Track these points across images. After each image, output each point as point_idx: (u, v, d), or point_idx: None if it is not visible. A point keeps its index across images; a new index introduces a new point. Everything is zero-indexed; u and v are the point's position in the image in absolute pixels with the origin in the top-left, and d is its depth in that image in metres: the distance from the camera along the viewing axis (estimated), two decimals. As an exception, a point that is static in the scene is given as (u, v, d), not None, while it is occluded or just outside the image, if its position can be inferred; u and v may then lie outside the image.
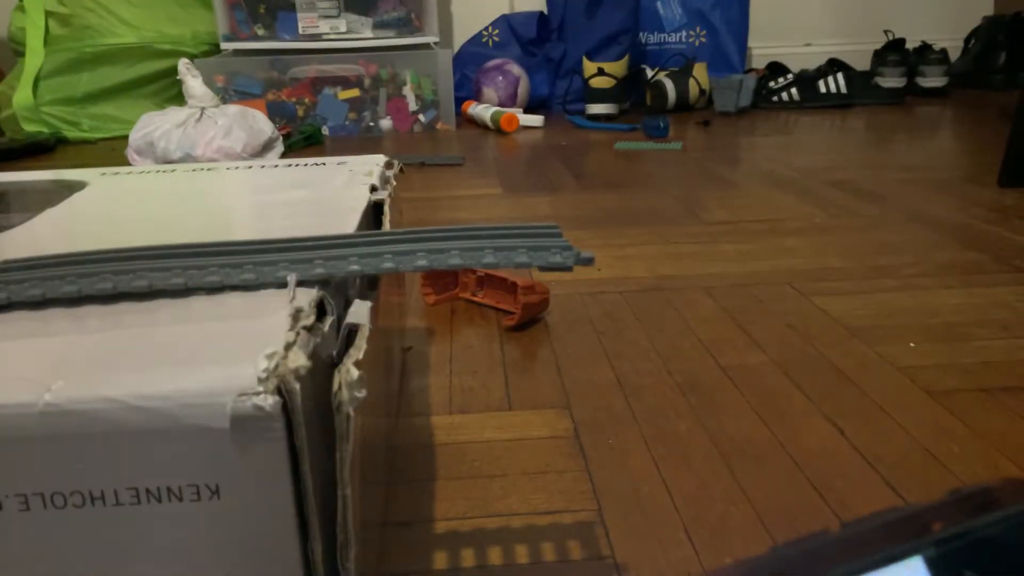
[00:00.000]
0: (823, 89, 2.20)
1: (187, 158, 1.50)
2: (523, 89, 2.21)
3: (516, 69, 2.21)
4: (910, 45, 2.38)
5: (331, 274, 0.33)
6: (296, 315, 0.29)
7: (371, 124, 2.04)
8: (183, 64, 1.53)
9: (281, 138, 1.66)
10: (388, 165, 0.62)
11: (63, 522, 0.26)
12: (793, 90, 2.21)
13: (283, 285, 0.33)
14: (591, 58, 2.08)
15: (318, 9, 2.05)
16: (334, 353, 0.31)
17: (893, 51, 2.27)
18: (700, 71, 2.22)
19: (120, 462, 0.26)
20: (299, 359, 0.26)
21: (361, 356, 0.29)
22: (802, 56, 2.64)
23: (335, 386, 0.28)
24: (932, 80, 2.31)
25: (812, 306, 0.77)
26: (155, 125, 1.52)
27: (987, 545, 0.21)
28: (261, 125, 1.59)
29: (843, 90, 2.19)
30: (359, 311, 0.32)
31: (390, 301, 0.53)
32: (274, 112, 2.00)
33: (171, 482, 0.26)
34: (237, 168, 0.61)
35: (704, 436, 0.54)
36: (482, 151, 1.72)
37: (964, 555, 0.21)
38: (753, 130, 1.88)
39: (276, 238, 0.37)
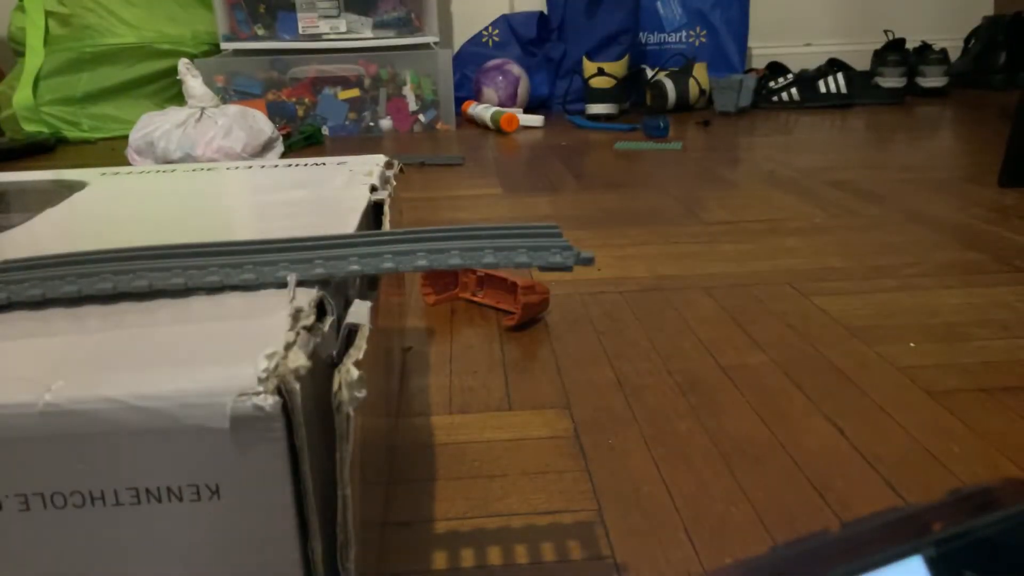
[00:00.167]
0: (823, 89, 2.20)
1: (187, 158, 1.50)
2: (523, 89, 2.21)
3: (516, 69, 2.21)
4: (910, 45, 2.38)
5: (331, 274, 0.33)
6: (296, 315, 0.29)
7: (371, 124, 2.04)
8: (183, 64, 1.53)
9: (281, 138, 1.66)
10: (388, 165, 0.62)
11: (63, 522, 0.26)
12: (793, 90, 2.21)
13: (283, 285, 0.33)
14: (591, 58, 2.08)
15: (318, 9, 2.05)
16: (334, 353, 0.31)
17: (893, 51, 2.27)
18: (700, 71, 2.22)
19: (120, 462, 0.26)
20: (299, 359, 0.26)
21: (361, 356, 0.29)
22: (802, 56, 2.64)
23: (335, 386, 0.28)
24: (932, 80, 2.31)
25: (812, 306, 0.77)
26: (155, 125, 1.52)
27: (987, 545, 0.21)
28: (261, 125, 1.59)
29: (843, 90, 2.19)
30: (359, 311, 0.32)
31: (390, 301, 0.53)
32: (274, 112, 2.00)
33: (171, 482, 0.26)
34: (237, 168, 0.61)
35: (704, 436, 0.54)
36: (482, 151, 1.72)
37: (964, 555, 0.21)
38: (753, 130, 1.88)
39: (276, 238, 0.37)
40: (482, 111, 2.04)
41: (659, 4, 2.40)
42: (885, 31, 2.42)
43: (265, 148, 1.59)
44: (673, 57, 2.34)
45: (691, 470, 0.51)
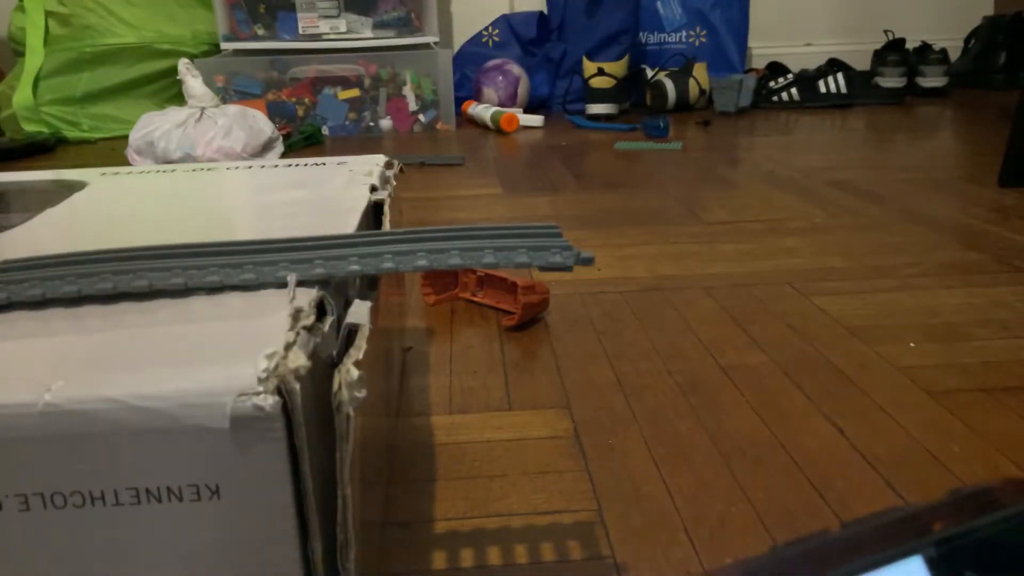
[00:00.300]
0: (823, 89, 2.20)
1: (187, 158, 1.50)
2: (523, 89, 2.21)
3: (516, 69, 2.21)
4: (910, 45, 2.38)
5: (331, 274, 0.33)
6: (296, 315, 0.29)
7: (371, 124, 2.04)
8: (183, 64, 1.53)
9: (281, 138, 1.66)
10: (388, 165, 0.62)
11: (63, 522, 0.26)
12: (793, 90, 2.21)
13: (283, 285, 0.33)
14: (591, 58, 2.08)
15: (318, 9, 2.05)
16: (334, 353, 0.31)
17: (893, 51, 2.27)
18: (700, 71, 2.22)
19: (120, 462, 0.26)
20: (299, 359, 0.26)
21: (361, 356, 0.29)
22: (802, 56, 2.64)
23: (335, 386, 0.28)
24: (932, 80, 2.31)
25: (812, 306, 0.77)
26: (155, 125, 1.52)
27: (987, 545, 0.21)
28: (261, 125, 1.59)
29: (843, 90, 2.19)
30: (359, 311, 0.32)
31: (390, 301, 0.53)
32: (274, 112, 2.00)
33: (171, 482, 0.26)
34: (237, 168, 0.61)
35: (704, 436, 0.54)
36: (482, 151, 1.72)
37: (964, 555, 0.21)
38: (753, 130, 1.88)
39: (276, 238, 0.37)
40: (482, 111, 2.04)
41: (659, 4, 2.40)
42: (885, 31, 2.42)
43: (265, 148, 1.59)
44: (673, 57, 2.34)
45: (691, 470, 0.51)
